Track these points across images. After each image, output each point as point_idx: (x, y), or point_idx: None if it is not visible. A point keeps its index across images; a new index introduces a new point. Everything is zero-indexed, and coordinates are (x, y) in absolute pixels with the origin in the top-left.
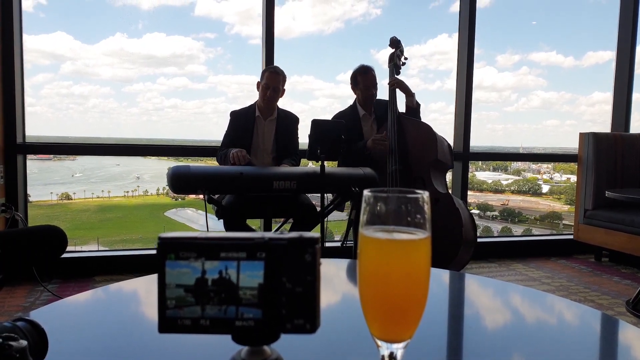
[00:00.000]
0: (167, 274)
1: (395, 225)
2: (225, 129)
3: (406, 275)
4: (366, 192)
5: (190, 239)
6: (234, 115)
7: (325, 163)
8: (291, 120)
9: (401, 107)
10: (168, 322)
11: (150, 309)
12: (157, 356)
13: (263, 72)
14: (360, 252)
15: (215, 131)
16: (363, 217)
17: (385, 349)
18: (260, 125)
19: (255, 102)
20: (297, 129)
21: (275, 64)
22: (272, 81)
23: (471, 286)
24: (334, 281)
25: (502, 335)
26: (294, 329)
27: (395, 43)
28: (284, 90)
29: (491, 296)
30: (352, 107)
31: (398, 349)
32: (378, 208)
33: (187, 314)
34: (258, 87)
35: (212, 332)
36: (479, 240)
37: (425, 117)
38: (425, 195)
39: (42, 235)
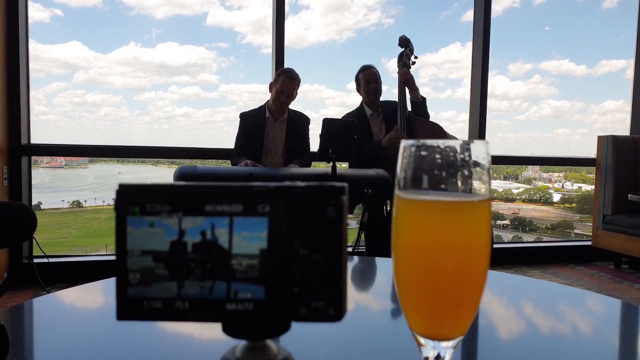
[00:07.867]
0: (129, 236)
1: (444, 184)
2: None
3: (464, 246)
4: (405, 142)
5: (162, 187)
6: (244, 117)
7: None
8: (302, 121)
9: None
10: (130, 305)
11: None
12: (114, 357)
13: (278, 75)
14: (399, 221)
15: (225, 139)
16: (401, 176)
17: (430, 348)
18: (271, 127)
19: (265, 104)
20: (308, 130)
21: None
22: (287, 87)
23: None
24: (352, 269)
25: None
26: (311, 316)
27: (404, 42)
28: (296, 94)
29: (510, 290)
30: (359, 108)
31: (447, 348)
32: (421, 162)
33: (157, 293)
34: (271, 89)
35: (194, 320)
36: (494, 246)
37: None
38: (484, 144)
39: (8, 212)
